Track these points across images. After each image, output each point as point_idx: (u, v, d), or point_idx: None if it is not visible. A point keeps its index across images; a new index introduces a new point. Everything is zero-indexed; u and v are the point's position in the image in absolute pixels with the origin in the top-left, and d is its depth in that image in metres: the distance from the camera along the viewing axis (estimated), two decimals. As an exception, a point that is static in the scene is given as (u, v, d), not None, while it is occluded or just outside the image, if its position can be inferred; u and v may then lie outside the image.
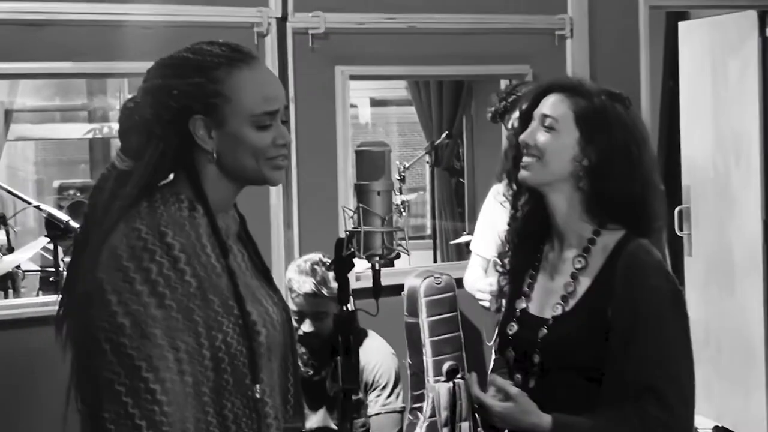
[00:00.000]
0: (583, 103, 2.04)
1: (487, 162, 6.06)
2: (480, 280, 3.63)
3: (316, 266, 3.30)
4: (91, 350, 1.65)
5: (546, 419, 1.97)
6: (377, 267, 2.00)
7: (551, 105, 2.06)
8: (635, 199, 2.03)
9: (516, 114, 3.20)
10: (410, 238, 6.83)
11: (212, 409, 1.70)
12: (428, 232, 8.39)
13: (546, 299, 2.11)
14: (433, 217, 7.44)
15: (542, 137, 2.05)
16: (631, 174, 2.02)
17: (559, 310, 2.06)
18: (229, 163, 1.77)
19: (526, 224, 2.16)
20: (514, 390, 2.02)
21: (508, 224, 2.19)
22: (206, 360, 1.69)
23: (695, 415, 2.02)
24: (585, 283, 2.05)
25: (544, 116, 2.05)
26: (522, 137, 2.07)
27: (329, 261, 3.39)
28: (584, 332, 2.00)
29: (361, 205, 1.97)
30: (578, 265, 2.06)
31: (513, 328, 2.13)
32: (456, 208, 7.32)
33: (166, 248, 1.68)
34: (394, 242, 2.00)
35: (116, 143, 1.82)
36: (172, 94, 1.74)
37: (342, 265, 2.02)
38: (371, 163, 1.99)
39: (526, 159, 2.06)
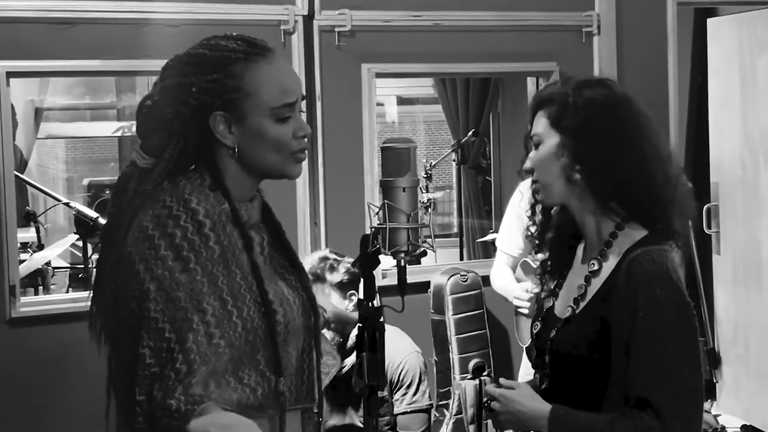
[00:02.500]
0: (552, 106, 2.03)
1: (513, 160, 6.02)
2: (511, 282, 3.61)
3: (330, 254, 3.36)
4: (121, 317, 1.68)
5: (546, 406, 1.98)
6: (403, 263, 1.98)
7: (535, 124, 2.07)
8: (636, 179, 1.97)
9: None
10: (437, 236, 6.85)
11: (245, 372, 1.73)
12: (455, 230, 8.37)
13: (566, 300, 2.09)
14: (460, 215, 7.42)
15: (534, 155, 2.05)
16: (623, 152, 1.97)
17: (569, 312, 2.04)
18: (251, 158, 1.78)
19: (558, 226, 2.15)
20: (520, 383, 2.07)
21: (541, 225, 2.17)
22: (239, 329, 1.71)
23: (725, 414, 1.99)
24: (595, 286, 2.02)
25: (531, 137, 2.07)
26: (524, 167, 2.08)
27: (343, 257, 3.42)
28: (584, 337, 1.98)
29: (386, 201, 1.95)
30: (592, 268, 2.03)
31: (537, 326, 2.13)
32: (482, 206, 7.30)
33: (191, 213, 1.70)
34: (419, 239, 1.98)
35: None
36: (191, 92, 1.74)
37: (367, 261, 2.00)
38: (396, 159, 1.97)
39: (533, 186, 2.07)
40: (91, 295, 1.79)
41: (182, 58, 1.80)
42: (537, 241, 2.18)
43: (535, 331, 2.13)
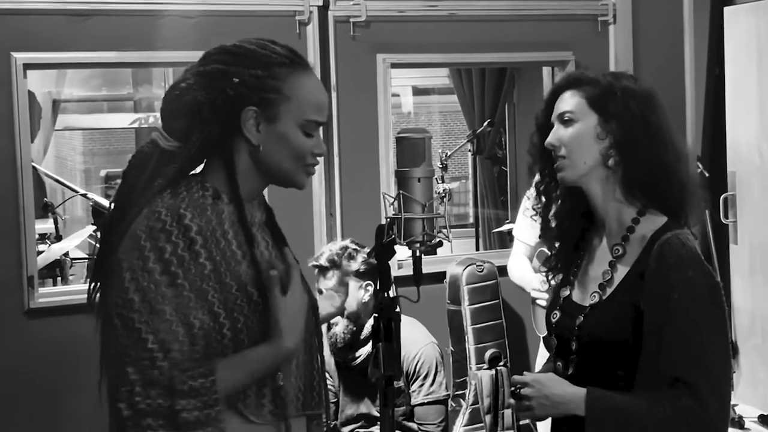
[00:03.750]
0: (591, 88, 2.05)
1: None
2: (529, 272, 3.60)
3: (351, 244, 3.37)
4: (106, 323, 1.70)
5: (581, 389, 1.97)
6: (418, 254, 1.98)
7: (565, 101, 2.07)
8: (666, 169, 2.01)
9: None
10: (452, 227, 6.83)
11: None
12: (470, 220, 8.37)
13: (587, 287, 2.09)
14: (476, 205, 7.41)
15: (565, 132, 2.05)
16: (656, 142, 2.01)
17: (596, 299, 2.05)
18: (270, 161, 1.78)
19: (570, 214, 2.15)
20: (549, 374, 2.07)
21: (554, 215, 2.17)
22: (226, 340, 1.71)
23: (742, 404, 1.99)
24: (622, 271, 2.03)
25: (562, 114, 2.06)
26: (547, 140, 2.07)
27: (363, 247, 3.42)
28: (617, 322, 1.98)
29: (401, 191, 1.95)
30: (616, 253, 2.05)
31: (556, 315, 2.13)
32: (498, 196, 7.28)
33: (183, 229, 1.70)
34: (434, 229, 1.98)
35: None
36: (231, 82, 1.75)
37: (383, 251, 2.00)
38: (411, 149, 1.97)
39: (559, 161, 2.06)
40: (91, 278, 1.80)
41: (228, 48, 1.81)
42: (542, 223, 2.18)
43: (554, 320, 2.13)
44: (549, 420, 2.11)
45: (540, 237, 2.24)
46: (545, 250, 3.58)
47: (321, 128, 1.84)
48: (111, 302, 1.68)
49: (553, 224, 2.17)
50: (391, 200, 1.99)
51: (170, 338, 1.65)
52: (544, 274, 2.26)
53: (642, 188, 2.03)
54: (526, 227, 3.71)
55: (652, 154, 2.00)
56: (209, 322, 1.69)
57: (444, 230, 2.00)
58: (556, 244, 2.21)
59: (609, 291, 2.03)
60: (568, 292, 2.13)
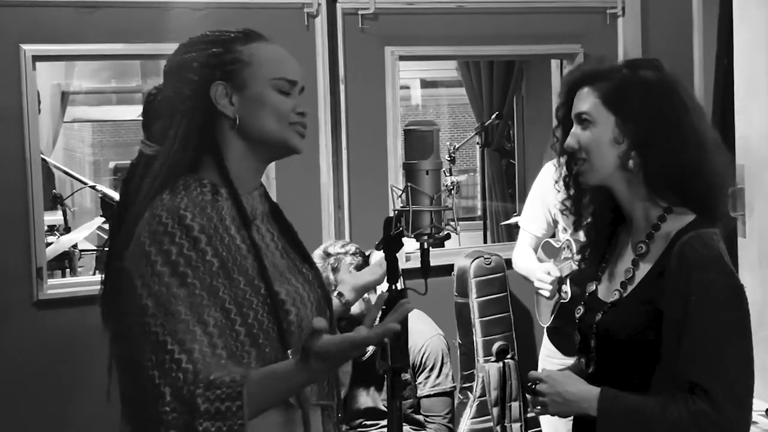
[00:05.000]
0: (605, 85, 1.99)
1: (537, 142, 6.00)
2: (533, 262, 3.59)
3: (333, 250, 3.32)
4: (123, 335, 1.68)
5: (595, 388, 1.95)
6: (426, 246, 1.97)
7: (581, 101, 2.02)
8: (690, 167, 1.95)
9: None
10: (460, 219, 6.82)
11: None
12: (478, 213, 8.35)
13: (611, 284, 2.07)
14: (483, 198, 7.40)
15: (583, 136, 2.00)
16: (677, 140, 1.94)
17: (616, 296, 2.02)
18: (251, 128, 1.78)
19: (600, 209, 2.12)
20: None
21: (576, 201, 2.15)
22: (242, 336, 1.70)
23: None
24: (644, 270, 2.00)
25: (579, 114, 2.01)
26: (566, 142, 2.03)
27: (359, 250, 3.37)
28: (635, 320, 1.96)
29: (409, 184, 1.94)
30: (639, 251, 2.01)
31: (580, 310, 2.11)
32: (506, 189, 7.27)
33: (185, 230, 1.69)
34: (442, 221, 1.97)
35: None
36: (191, 67, 1.77)
37: (391, 244, 2.00)
38: (419, 142, 1.97)
39: (579, 164, 2.03)
40: (102, 279, 1.80)
41: (183, 42, 1.84)
42: (574, 217, 2.15)
43: (577, 315, 2.11)
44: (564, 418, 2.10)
45: (574, 229, 2.21)
46: (552, 242, 3.57)
47: (300, 90, 1.83)
48: (125, 311, 1.67)
49: (585, 216, 2.15)
50: (399, 193, 1.98)
51: (189, 338, 1.63)
52: (576, 261, 2.23)
53: (667, 188, 1.97)
54: (532, 217, 3.70)
55: (673, 154, 1.94)
56: (222, 319, 1.68)
57: (452, 223, 2.00)
58: (587, 237, 2.18)
59: (630, 289, 2.01)
60: (594, 287, 2.11)
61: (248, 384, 1.60)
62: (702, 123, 1.99)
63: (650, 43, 4.66)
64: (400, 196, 1.98)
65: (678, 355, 1.87)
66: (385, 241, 1.99)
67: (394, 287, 2.01)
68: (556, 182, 2.15)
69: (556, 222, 3.61)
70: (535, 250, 3.68)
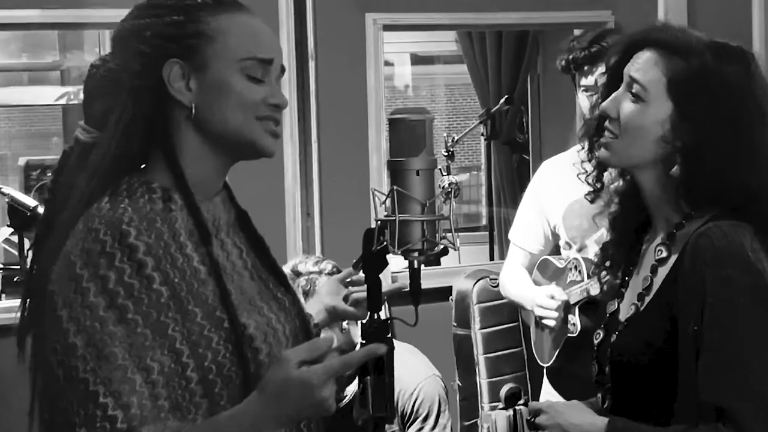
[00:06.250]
0: (680, 65, 2.00)
1: (557, 134, 6.01)
2: (528, 286, 3.59)
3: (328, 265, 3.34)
4: (45, 376, 1.68)
5: (602, 419, 1.99)
6: (416, 265, 1.98)
7: (641, 66, 2.03)
8: (749, 192, 1.98)
9: (599, 69, 3.18)
10: (461, 230, 6.81)
11: None
12: (483, 222, 8.38)
13: (630, 298, 2.10)
14: (490, 203, 7.43)
15: (627, 108, 2.02)
16: (739, 151, 1.97)
17: (632, 311, 2.05)
18: (211, 120, 1.78)
19: (624, 209, 2.15)
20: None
21: (609, 210, 2.18)
22: (193, 384, 1.70)
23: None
24: (662, 276, 2.03)
25: (632, 80, 2.03)
26: (603, 105, 2.06)
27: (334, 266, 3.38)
28: (651, 337, 1.99)
29: (395, 187, 1.94)
30: (659, 255, 2.04)
31: (599, 335, 2.15)
32: (518, 191, 7.28)
33: (127, 251, 1.68)
34: (437, 234, 1.98)
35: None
36: (143, 37, 1.76)
37: (372, 263, 2.00)
38: (408, 134, 1.97)
39: (606, 135, 2.05)
40: (20, 305, 1.79)
41: (139, 4, 1.83)
42: (591, 189, 2.18)
43: (596, 342, 2.14)
44: None
45: (591, 200, 2.24)
46: (551, 259, 3.59)
47: (279, 74, 1.84)
48: (48, 348, 1.66)
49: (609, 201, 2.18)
50: (383, 198, 1.99)
51: (126, 389, 1.62)
52: (595, 269, 2.26)
53: (709, 205, 2.00)
54: (525, 229, 3.71)
55: (729, 167, 1.96)
56: (171, 364, 1.67)
57: (449, 235, 2.00)
58: (611, 236, 2.21)
59: (647, 300, 2.04)
60: (615, 307, 2.14)
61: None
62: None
63: (698, 9, 4.69)
64: (384, 203, 1.98)
65: (697, 376, 1.89)
66: (365, 258, 1.99)
67: (376, 316, 2.01)
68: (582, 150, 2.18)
69: (557, 236, 3.62)
70: (530, 271, 3.69)
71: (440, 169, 4.14)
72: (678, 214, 2.04)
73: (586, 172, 2.19)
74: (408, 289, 2.02)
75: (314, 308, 2.42)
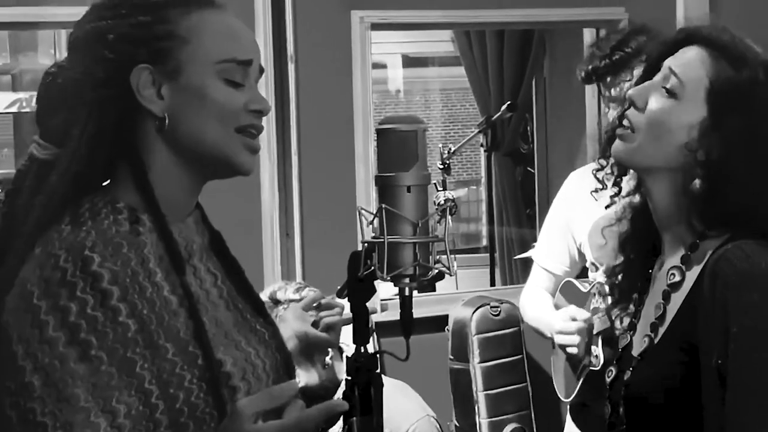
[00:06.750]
0: (728, 71, 2.00)
1: (566, 144, 6.03)
2: (548, 312, 3.58)
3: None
4: None
5: None
6: (408, 292, 1.98)
7: (685, 60, 2.03)
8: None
9: (627, 80, 3.18)
10: (458, 252, 6.79)
11: None
12: (484, 242, 8.39)
13: (643, 329, 2.10)
14: (491, 221, 7.44)
15: (656, 102, 2.03)
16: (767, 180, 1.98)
17: (645, 343, 2.05)
18: (185, 133, 1.77)
19: (635, 230, 2.16)
20: None
21: (620, 229, 2.18)
22: (162, 428, 1.68)
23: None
24: (676, 303, 2.03)
25: (670, 73, 2.03)
26: (631, 91, 2.06)
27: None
28: (668, 372, 1.99)
29: (384, 205, 1.94)
30: (671, 279, 2.04)
31: (611, 373, 2.14)
32: (522, 208, 7.33)
33: (90, 279, 1.66)
34: (431, 257, 1.98)
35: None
36: (107, 41, 1.75)
37: (358, 290, 2.01)
38: (398, 146, 1.96)
39: (624, 125, 2.05)
40: None
41: (99, 3, 1.81)
42: (612, 188, 2.18)
43: (608, 379, 2.14)
44: None
45: (608, 203, 2.23)
46: (576, 283, 3.57)
47: (258, 75, 1.84)
48: (1, 387, 1.65)
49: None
50: (370, 218, 1.99)
51: None
52: (603, 297, 2.26)
53: (727, 223, 2.00)
54: (550, 249, 3.70)
55: (756, 190, 1.98)
56: (138, 406, 1.66)
57: (444, 258, 2.00)
58: (621, 270, 2.21)
59: (661, 331, 2.04)
60: (627, 340, 2.15)
61: None
62: None
63: (723, 8, 4.71)
64: (371, 223, 1.98)
65: (723, 418, 1.88)
66: (351, 285, 1.99)
67: (362, 350, 2.01)
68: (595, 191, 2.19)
69: (583, 255, 3.61)
70: (553, 294, 3.68)
71: (435, 183, 4.19)
72: (691, 233, 2.04)
73: (601, 167, 2.21)
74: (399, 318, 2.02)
75: (284, 335, 2.44)
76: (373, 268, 1.95)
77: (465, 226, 9.97)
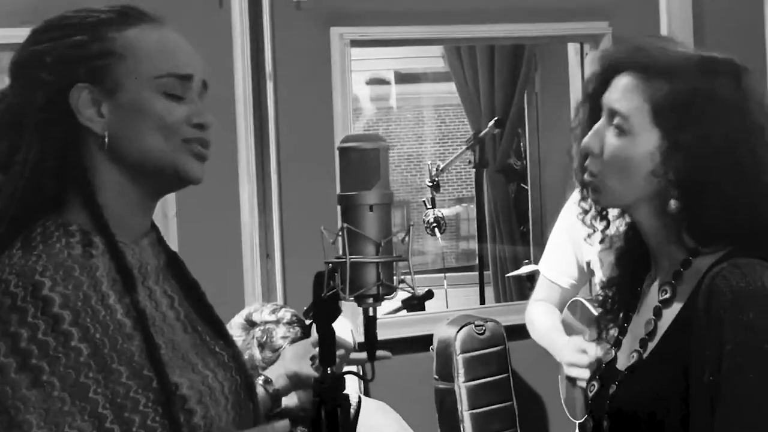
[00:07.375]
0: (663, 88, 2.00)
1: (559, 159, 6.04)
2: (558, 330, 3.53)
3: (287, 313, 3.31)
4: None
5: None
6: (371, 312, 1.98)
7: (620, 94, 2.04)
8: (761, 222, 1.99)
9: None
10: (450, 270, 6.78)
11: None
12: (475, 260, 8.38)
13: (630, 345, 2.12)
14: (482, 239, 7.41)
15: (610, 143, 2.03)
16: (745, 185, 1.98)
17: (634, 359, 2.06)
18: (129, 149, 1.78)
19: (629, 246, 2.17)
20: None
21: (614, 246, 2.20)
22: None
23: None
24: (668, 320, 2.03)
25: (612, 111, 2.04)
26: (585, 140, 2.07)
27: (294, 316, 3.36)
28: (657, 388, 1.99)
29: (345, 225, 1.96)
30: (663, 296, 2.05)
31: (593, 387, 2.16)
32: (515, 225, 7.30)
33: (41, 304, 1.67)
34: (395, 277, 1.98)
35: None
36: (44, 63, 1.77)
37: (323, 310, 2.01)
38: (360, 165, 1.97)
39: (587, 176, 2.07)
40: None
41: (36, 28, 1.83)
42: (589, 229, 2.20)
43: (591, 394, 2.15)
44: None
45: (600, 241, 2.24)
46: (583, 301, 3.55)
47: (201, 90, 1.85)
48: None
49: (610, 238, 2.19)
50: (333, 238, 2.00)
51: None
52: (598, 327, 2.26)
53: (716, 237, 2.01)
54: (558, 261, 3.66)
55: (733, 196, 1.97)
56: (92, 431, 1.66)
57: (408, 278, 2.00)
58: (616, 283, 2.22)
59: (651, 347, 2.05)
60: (612, 355, 2.16)
61: None
62: None
63: (705, 19, 4.71)
64: (334, 243, 1.99)
65: (712, 430, 1.89)
66: (315, 306, 2.00)
67: (329, 371, 2.02)
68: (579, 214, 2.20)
69: (591, 270, 3.58)
70: (560, 309, 3.65)
71: (424, 201, 4.17)
72: (682, 250, 2.05)
73: (585, 212, 2.20)
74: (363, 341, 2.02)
75: (275, 372, 2.44)
76: (336, 288, 1.96)
77: (460, 243, 9.90)
